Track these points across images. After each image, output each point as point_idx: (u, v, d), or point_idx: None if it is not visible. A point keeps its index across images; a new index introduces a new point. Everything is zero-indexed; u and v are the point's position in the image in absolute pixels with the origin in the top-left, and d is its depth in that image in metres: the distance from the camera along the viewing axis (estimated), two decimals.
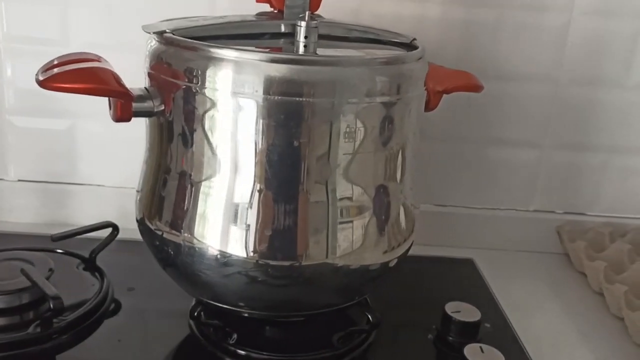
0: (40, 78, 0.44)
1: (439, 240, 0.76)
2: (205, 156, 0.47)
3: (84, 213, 0.74)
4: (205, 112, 0.46)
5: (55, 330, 0.52)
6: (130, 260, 0.65)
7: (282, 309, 0.53)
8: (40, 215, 0.75)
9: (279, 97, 0.44)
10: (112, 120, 0.47)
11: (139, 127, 0.52)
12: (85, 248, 0.63)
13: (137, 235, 0.54)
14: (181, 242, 0.49)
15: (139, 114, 0.48)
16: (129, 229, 0.58)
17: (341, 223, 0.48)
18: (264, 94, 0.44)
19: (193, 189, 0.48)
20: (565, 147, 0.77)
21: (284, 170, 0.46)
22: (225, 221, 0.47)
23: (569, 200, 0.79)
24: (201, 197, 0.48)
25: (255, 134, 0.45)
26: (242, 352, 0.52)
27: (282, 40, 0.52)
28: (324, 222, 0.47)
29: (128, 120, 0.47)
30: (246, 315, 0.54)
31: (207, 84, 0.45)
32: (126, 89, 0.46)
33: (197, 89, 0.46)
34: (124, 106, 0.46)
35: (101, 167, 0.75)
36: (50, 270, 0.56)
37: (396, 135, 0.49)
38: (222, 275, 0.49)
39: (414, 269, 0.67)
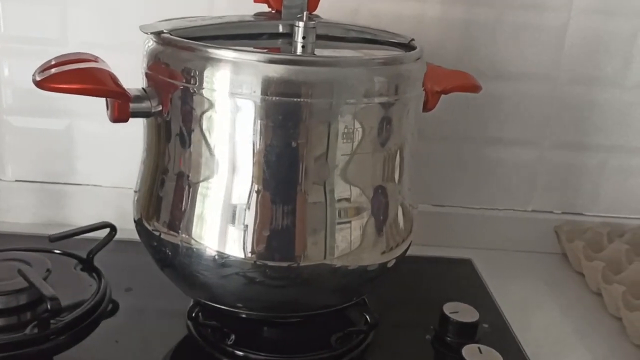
0: (38, 78, 0.44)
1: (437, 241, 0.76)
2: (203, 157, 0.47)
3: (81, 213, 0.74)
4: (203, 112, 0.46)
5: (52, 331, 0.52)
6: (128, 261, 0.65)
7: (280, 310, 0.53)
8: (37, 216, 0.75)
9: (277, 98, 0.44)
10: (109, 121, 0.47)
11: (137, 127, 0.52)
12: (83, 248, 0.63)
13: (135, 236, 0.54)
14: (179, 243, 0.49)
15: (137, 114, 0.48)
16: (127, 230, 0.58)
17: (339, 224, 0.48)
18: (261, 94, 0.44)
19: (191, 190, 0.48)
20: (564, 147, 0.77)
21: (282, 171, 0.46)
22: (223, 222, 0.47)
23: (567, 200, 0.79)
24: (199, 197, 0.48)
25: (253, 134, 0.45)
26: (240, 353, 0.52)
27: (280, 40, 0.52)
28: (322, 223, 0.47)
29: (125, 120, 0.47)
30: (244, 316, 0.54)
31: (204, 85, 0.45)
32: (123, 89, 0.46)
33: (195, 89, 0.46)
34: (122, 107, 0.46)
35: (99, 168, 0.75)
36: (48, 270, 0.56)
37: (394, 136, 0.49)
38: (220, 276, 0.49)
39: (412, 270, 0.66)
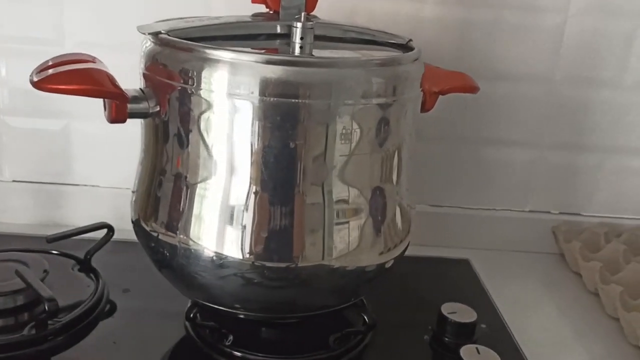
0: (35, 79, 0.44)
1: (434, 241, 0.76)
2: (201, 158, 0.47)
3: (79, 214, 0.74)
4: (201, 113, 0.46)
5: (50, 332, 0.52)
6: (125, 262, 0.65)
7: (278, 311, 0.53)
8: (35, 216, 0.75)
9: (275, 99, 0.44)
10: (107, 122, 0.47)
11: (135, 128, 0.52)
12: (81, 249, 0.63)
13: (133, 237, 0.54)
14: (177, 244, 0.49)
15: (134, 115, 0.47)
16: (125, 230, 0.58)
17: (337, 224, 0.48)
18: (259, 95, 0.44)
19: (189, 191, 0.48)
20: (561, 147, 0.77)
21: (280, 172, 0.46)
22: (221, 223, 0.47)
23: (564, 200, 0.79)
24: (197, 198, 0.48)
25: (251, 135, 0.45)
26: (238, 354, 0.52)
27: (278, 41, 0.52)
28: (320, 224, 0.47)
29: (123, 121, 0.47)
30: (242, 316, 0.54)
31: (202, 85, 0.45)
32: (121, 90, 0.45)
33: (193, 90, 0.46)
34: (119, 107, 0.46)
35: (96, 168, 0.75)
36: (45, 271, 0.56)
37: (392, 137, 0.49)
38: (218, 277, 0.49)
39: (410, 270, 0.66)
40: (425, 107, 0.53)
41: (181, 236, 0.48)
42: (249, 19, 0.54)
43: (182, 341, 0.55)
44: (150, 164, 0.51)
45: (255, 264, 0.47)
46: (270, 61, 0.44)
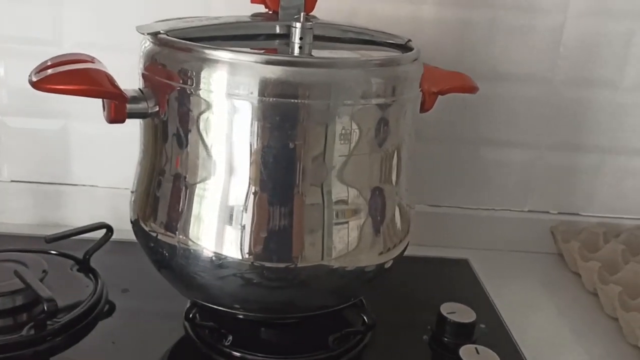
0: (34, 79, 0.44)
1: (434, 241, 0.76)
2: (200, 158, 0.47)
3: (78, 214, 0.74)
4: (200, 113, 0.46)
5: (49, 332, 0.52)
6: (124, 262, 0.65)
7: (277, 311, 0.53)
8: (33, 216, 0.75)
9: (274, 99, 0.44)
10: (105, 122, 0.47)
11: (134, 128, 0.52)
12: (79, 249, 0.63)
13: (132, 237, 0.54)
14: (176, 244, 0.49)
15: (133, 115, 0.47)
16: (124, 230, 0.58)
17: (336, 225, 0.48)
18: (259, 95, 0.44)
19: (188, 191, 0.48)
20: (560, 147, 0.77)
21: (279, 172, 0.46)
22: (220, 223, 0.47)
23: (563, 200, 0.79)
24: (196, 199, 0.48)
25: (250, 135, 0.45)
26: (238, 354, 0.52)
27: (277, 41, 0.52)
28: (319, 224, 0.47)
29: (122, 121, 0.47)
30: (241, 316, 0.54)
31: (201, 86, 0.45)
32: (120, 90, 0.45)
33: (192, 90, 0.46)
34: (118, 107, 0.46)
35: (95, 168, 0.75)
36: (44, 271, 0.56)
37: (391, 137, 0.49)
38: (217, 277, 0.49)
39: (409, 270, 0.66)
40: (424, 108, 0.53)
41: (180, 236, 0.48)
42: (248, 19, 0.54)
43: (181, 341, 0.55)
44: (149, 164, 0.51)
45: (255, 264, 0.47)
46: (270, 61, 0.44)
